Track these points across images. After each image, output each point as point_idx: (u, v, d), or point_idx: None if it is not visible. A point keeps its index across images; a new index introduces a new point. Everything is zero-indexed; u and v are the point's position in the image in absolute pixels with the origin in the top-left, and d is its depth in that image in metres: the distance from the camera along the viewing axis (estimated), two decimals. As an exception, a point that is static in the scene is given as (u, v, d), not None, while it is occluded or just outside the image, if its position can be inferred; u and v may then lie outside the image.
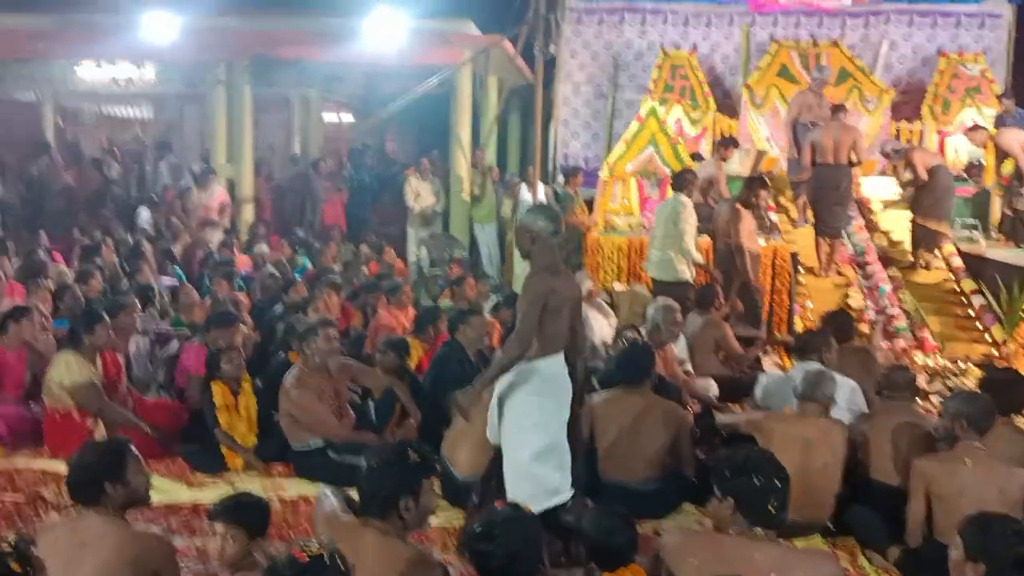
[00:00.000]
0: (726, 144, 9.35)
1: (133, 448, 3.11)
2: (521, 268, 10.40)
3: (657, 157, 9.31)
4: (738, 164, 9.78)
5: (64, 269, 8.49)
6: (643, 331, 5.97)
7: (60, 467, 5.08)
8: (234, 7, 13.11)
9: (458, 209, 11.65)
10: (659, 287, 7.58)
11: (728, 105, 11.43)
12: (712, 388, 6.14)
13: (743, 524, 2.92)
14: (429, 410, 5.52)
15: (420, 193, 11.53)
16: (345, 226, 12.08)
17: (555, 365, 4.04)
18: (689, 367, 6.32)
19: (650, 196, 9.36)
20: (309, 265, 10.03)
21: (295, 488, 4.97)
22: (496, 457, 4.21)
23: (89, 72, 13.34)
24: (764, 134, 10.86)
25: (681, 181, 7.73)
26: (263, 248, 10.20)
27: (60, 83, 13.83)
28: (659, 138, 9.37)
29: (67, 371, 5.23)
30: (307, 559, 2.32)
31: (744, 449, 3.32)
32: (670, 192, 8.11)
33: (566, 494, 3.95)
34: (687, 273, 7.55)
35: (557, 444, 4.01)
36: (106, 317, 5.50)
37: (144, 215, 11.18)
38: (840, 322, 6.09)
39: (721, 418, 5.10)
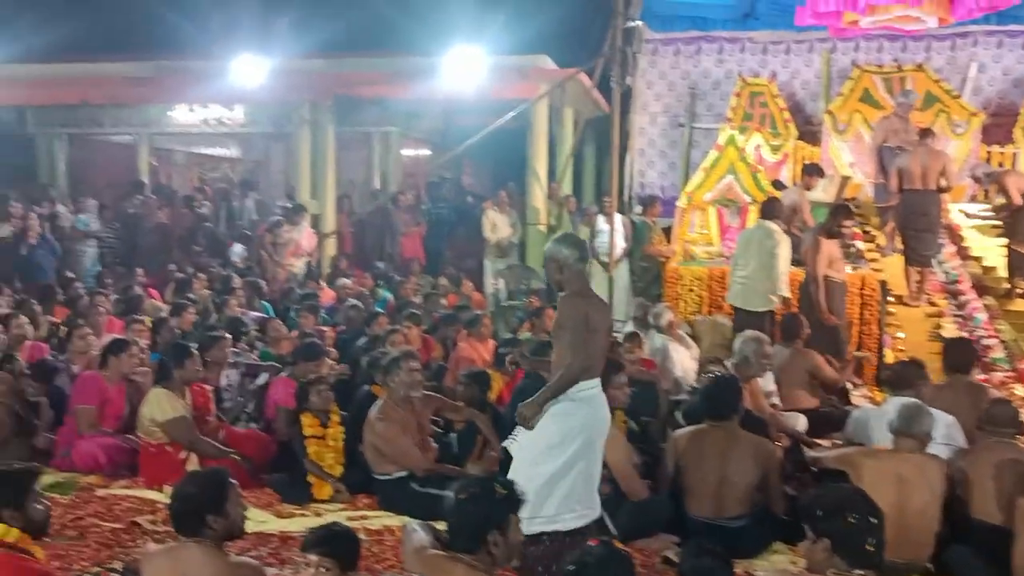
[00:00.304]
0: (811, 172, 9.10)
1: (232, 480, 3.20)
2: (599, 299, 10.37)
3: (737, 185, 9.22)
4: (821, 191, 9.58)
5: (159, 304, 8.83)
6: (728, 363, 5.86)
7: (155, 496, 5.29)
8: (318, 49, 13.58)
9: (534, 240, 11.71)
10: (741, 316, 7.46)
11: (809, 132, 11.26)
12: (801, 422, 5.98)
13: (841, 565, 2.83)
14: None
15: (497, 225, 11.64)
16: (424, 259, 12.27)
17: (587, 387, 4.04)
18: (776, 400, 6.18)
19: (730, 225, 9.26)
20: (390, 297, 10.21)
21: (380, 520, 5.02)
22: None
23: (182, 114, 13.94)
24: (847, 160, 10.65)
25: (771, 209, 7.62)
26: (345, 281, 10.43)
27: (155, 125, 14.47)
28: (738, 166, 9.29)
29: (158, 407, 5.41)
30: None
31: (837, 487, 3.24)
32: (752, 220, 8.01)
33: (563, 524, 3.97)
34: (772, 303, 7.41)
35: (568, 472, 3.99)
36: (195, 351, 5.68)
37: (237, 250, 11.58)
38: (960, 350, 5.81)
39: (811, 453, 4.96)
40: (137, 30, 16.99)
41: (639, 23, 9.73)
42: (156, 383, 5.58)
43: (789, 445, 5.57)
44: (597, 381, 4.12)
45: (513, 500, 2.98)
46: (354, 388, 6.46)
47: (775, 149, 10.84)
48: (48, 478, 5.55)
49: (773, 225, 7.47)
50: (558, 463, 3.99)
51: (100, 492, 5.40)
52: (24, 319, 7.21)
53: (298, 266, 11.11)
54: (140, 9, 17.15)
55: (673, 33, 11.99)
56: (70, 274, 10.30)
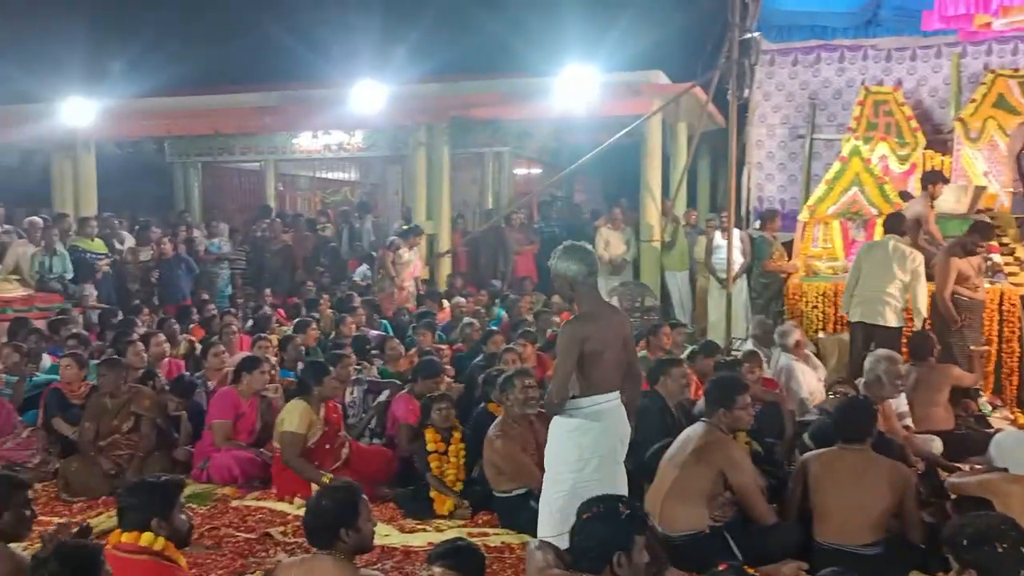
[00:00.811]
0: (934, 179, 8.65)
1: (364, 496, 3.29)
2: (716, 315, 10.17)
3: (862, 197, 8.89)
4: (954, 201, 9.11)
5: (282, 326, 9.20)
6: (859, 383, 5.62)
7: (286, 508, 5.50)
8: (434, 73, 13.91)
9: (648, 257, 11.60)
10: (871, 332, 7.17)
11: (939, 141, 10.75)
12: (936, 445, 5.69)
13: (989, 598, 2.67)
14: (630, 462, 5.48)
15: (610, 242, 11.58)
16: (537, 277, 12.33)
17: (600, 401, 4.04)
18: (909, 422, 5.89)
19: (855, 239, 8.92)
20: (504, 316, 10.30)
21: (499, 537, 5.05)
22: None
23: (306, 141, 14.55)
24: (981, 169, 10.09)
25: (897, 223, 7.33)
26: (460, 300, 10.60)
27: (281, 151, 15.16)
28: (864, 177, 8.95)
29: (288, 417, 5.63)
30: None
31: (984, 515, 3.05)
32: (878, 233, 7.69)
33: None
34: (899, 318, 7.11)
35: (588, 488, 3.87)
36: (332, 369, 5.88)
37: (362, 270, 11.94)
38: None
39: (950, 479, 4.69)
40: (263, 61, 17.86)
41: (756, 34, 9.54)
42: (297, 396, 5.77)
43: (924, 469, 5.31)
44: (612, 395, 4.06)
45: (638, 521, 2.94)
46: (471, 406, 6.55)
47: (902, 159, 10.40)
48: (187, 489, 5.85)
49: (904, 242, 7.18)
50: (578, 479, 3.99)
51: (234, 503, 5.65)
52: (163, 337, 7.64)
53: (417, 286, 11.36)
54: (265, 41, 18.01)
55: (791, 43, 11.70)
56: (205, 295, 10.86)
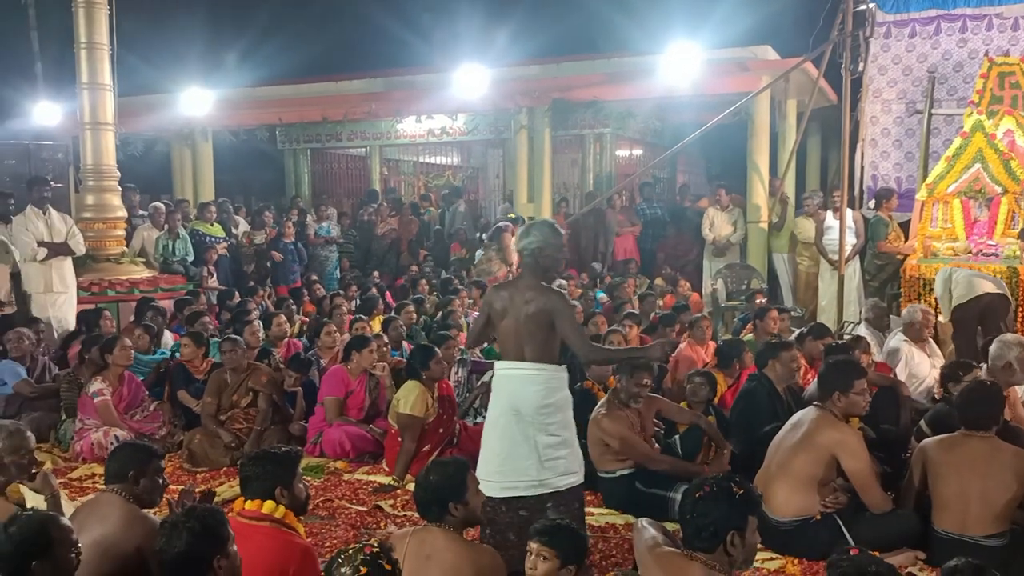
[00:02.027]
0: None
1: (472, 471, 3.36)
2: (827, 298, 9.87)
3: (985, 175, 8.41)
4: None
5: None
6: (982, 369, 5.35)
7: (395, 482, 5.65)
8: (535, 56, 13.92)
9: (756, 239, 11.33)
10: (971, 309, 6.99)
11: (1073, 112, 10.05)
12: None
13: None
14: (737, 446, 5.41)
15: (716, 223, 11.37)
16: (640, 259, 12.22)
17: (499, 367, 4.29)
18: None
19: (978, 219, 8.48)
20: (604, 298, 10.26)
21: (604, 517, 5.06)
22: None
23: (409, 126, 14.80)
24: (1120, 142, 9.40)
25: None
26: (562, 282, 10.59)
27: (385, 137, 15.47)
28: (987, 154, 8.47)
29: (404, 399, 5.76)
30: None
31: None
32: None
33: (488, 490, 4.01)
34: (1000, 287, 6.87)
35: (491, 442, 4.24)
36: (438, 351, 5.99)
37: (479, 254, 12.06)
38: None
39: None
40: (368, 48, 18.26)
41: (871, 5, 9.16)
42: (410, 378, 5.89)
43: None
44: (506, 363, 4.21)
45: (751, 501, 2.92)
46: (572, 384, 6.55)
47: (1031, 133, 9.78)
48: (302, 462, 6.08)
49: None
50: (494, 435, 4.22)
51: (346, 477, 5.85)
52: (283, 318, 7.95)
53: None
54: (370, 28, 18.41)
55: (908, 13, 11.14)
56: (314, 277, 11.22)
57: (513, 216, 12.04)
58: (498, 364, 4.33)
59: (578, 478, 4.22)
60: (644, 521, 3.48)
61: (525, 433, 4.13)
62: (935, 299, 7.86)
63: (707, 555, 2.87)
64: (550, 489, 4.13)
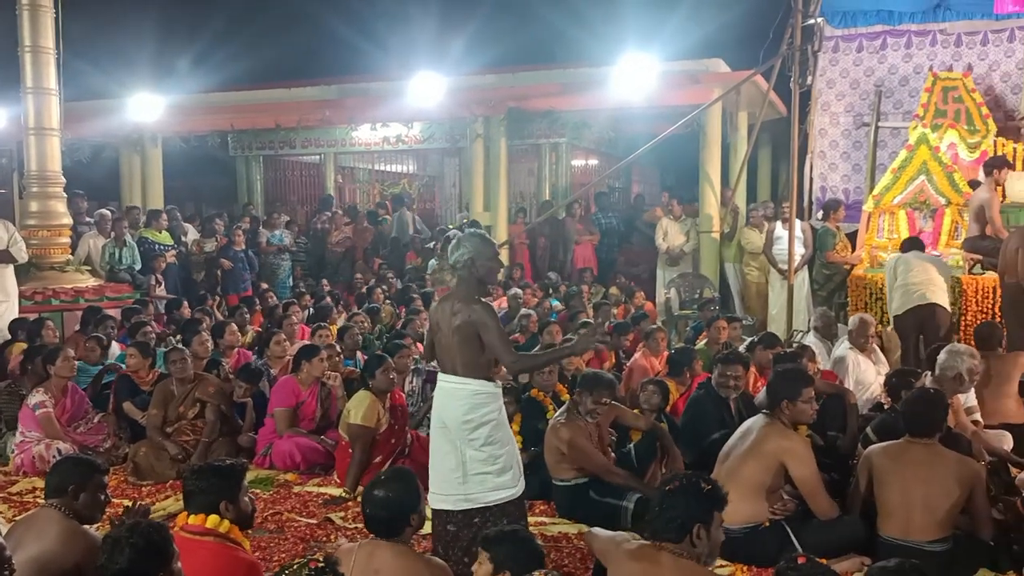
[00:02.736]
0: (999, 164, 8.24)
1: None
2: (777, 308, 10.02)
3: (930, 187, 8.65)
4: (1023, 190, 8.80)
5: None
6: (927, 378, 5.46)
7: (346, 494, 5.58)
8: (491, 65, 13.93)
9: (708, 248, 11.47)
10: (914, 317, 7.22)
11: (1012, 128, 10.38)
12: (1007, 441, 5.51)
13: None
14: (686, 454, 5.45)
15: (669, 233, 11.49)
16: (596, 268, 12.29)
17: (440, 380, 4.29)
18: (978, 417, 5.72)
19: (923, 229, 8.68)
20: (559, 306, 10.29)
21: (557, 526, 5.05)
22: None
23: (364, 133, 14.70)
24: (1057, 156, 9.73)
25: (914, 246, 7.40)
26: (517, 291, 10.61)
27: (340, 144, 15.36)
28: (932, 166, 8.71)
29: (355, 409, 5.70)
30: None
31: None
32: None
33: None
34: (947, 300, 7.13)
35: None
36: (390, 360, 5.93)
37: (432, 263, 11.99)
38: None
39: (1023, 476, 4.54)
40: (323, 55, 18.14)
41: (819, 20, 9.34)
42: (363, 388, 5.84)
43: (994, 466, 5.14)
44: (443, 376, 4.24)
45: (717, 498, 3.06)
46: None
47: (972, 147, 10.05)
48: (251, 475, 5.98)
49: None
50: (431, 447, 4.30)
51: (296, 489, 5.77)
52: (235, 327, 7.82)
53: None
54: (325, 35, 18.29)
55: (856, 28, 11.40)
56: (265, 286, 11.08)
57: (467, 220, 12.03)
58: (438, 375, 4.33)
59: (511, 493, 4.18)
60: (595, 529, 3.50)
61: (453, 446, 4.14)
62: (881, 307, 8.03)
63: (674, 545, 2.99)
64: (477, 504, 4.11)
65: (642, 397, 5.78)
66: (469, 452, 4.11)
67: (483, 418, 4.13)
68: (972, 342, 6.96)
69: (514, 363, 4.33)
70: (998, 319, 7.34)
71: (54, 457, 5.70)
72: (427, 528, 4.19)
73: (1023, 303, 6.84)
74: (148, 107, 12.97)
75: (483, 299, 4.23)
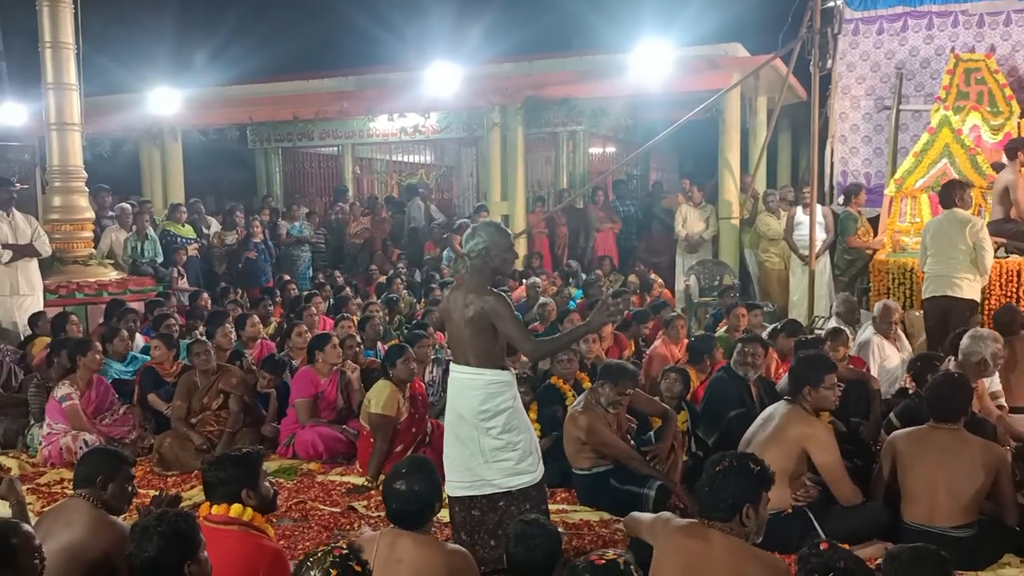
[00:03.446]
0: (1022, 146, 8.08)
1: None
2: (798, 294, 9.95)
3: (952, 169, 8.54)
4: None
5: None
6: (951, 363, 5.41)
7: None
8: (507, 54, 13.89)
9: (728, 235, 11.40)
10: (937, 305, 7.06)
11: (1036, 108, 10.21)
12: (1033, 425, 5.45)
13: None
14: (707, 434, 5.46)
15: (688, 220, 11.43)
16: (617, 257, 12.26)
17: (453, 371, 4.29)
18: (1003, 401, 5.67)
19: (946, 213, 8.56)
20: (580, 295, 10.28)
21: (578, 514, 5.07)
22: None
23: (382, 124, 14.72)
24: (1082, 137, 9.57)
25: (947, 196, 7.07)
26: (536, 280, 10.60)
27: (358, 136, 15.38)
28: (954, 149, 8.61)
29: (375, 398, 5.73)
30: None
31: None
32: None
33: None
34: (974, 292, 6.96)
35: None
36: (410, 350, 5.95)
37: (447, 254, 12.01)
38: None
39: (1048, 460, 4.50)
40: (340, 47, 18.16)
41: (839, 2, 9.23)
42: (383, 377, 5.86)
43: (1018, 450, 5.09)
44: (456, 367, 4.23)
45: (766, 478, 3.10)
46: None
47: (995, 129, 9.90)
48: (274, 464, 6.05)
49: (960, 212, 6.98)
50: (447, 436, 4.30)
51: (320, 478, 5.81)
52: (257, 319, 7.87)
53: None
54: (342, 27, 18.30)
55: (876, 11, 11.25)
56: (287, 277, 11.14)
57: (479, 204, 12.01)
58: (451, 366, 4.34)
59: (532, 478, 4.21)
60: (635, 513, 3.58)
61: (470, 435, 4.15)
62: (903, 292, 7.97)
63: (723, 524, 3.03)
64: (501, 489, 4.14)
65: (663, 385, 5.77)
66: (487, 441, 4.13)
67: (499, 407, 4.14)
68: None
69: (533, 351, 4.34)
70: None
71: (81, 448, 5.79)
72: (442, 515, 4.22)
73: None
74: (167, 101, 13.06)
75: (496, 289, 4.23)
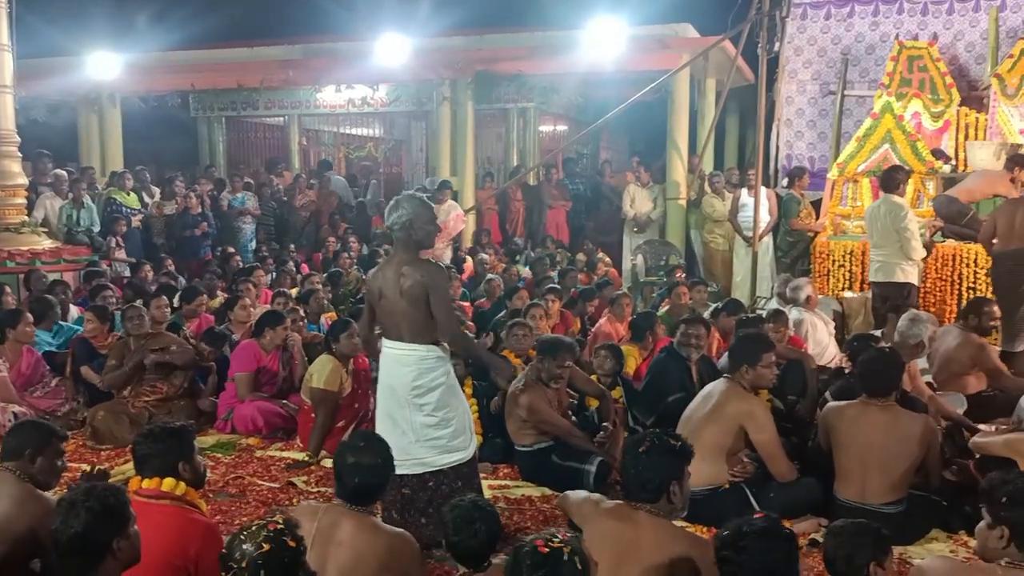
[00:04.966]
0: (1021, 162, 7.89)
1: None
2: (741, 274, 10.09)
3: (893, 155, 8.71)
4: (991, 159, 8.87)
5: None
6: (885, 341, 5.55)
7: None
8: (458, 27, 13.73)
9: (675, 215, 11.49)
10: (879, 288, 7.25)
11: (975, 98, 10.46)
12: (961, 404, 5.62)
13: (1017, 557, 2.65)
14: (645, 416, 5.51)
15: (636, 199, 11.48)
16: (567, 235, 12.27)
17: (383, 347, 4.26)
18: (930, 379, 5.82)
19: (886, 197, 8.74)
20: (526, 272, 10.28)
21: (520, 489, 5.09)
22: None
23: (329, 95, 14.44)
24: (1018, 127, 9.81)
25: (890, 182, 7.21)
26: (484, 256, 10.58)
27: (304, 106, 15.09)
28: (896, 135, 8.77)
29: (318, 374, 5.66)
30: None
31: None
32: (910, 192, 7.53)
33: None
34: (911, 276, 7.11)
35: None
36: (355, 325, 5.87)
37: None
38: None
39: (975, 439, 4.62)
40: (287, 14, 17.76)
41: (788, -14, 9.29)
42: (325, 352, 5.80)
43: (947, 429, 5.24)
44: (388, 342, 4.18)
45: (686, 452, 3.11)
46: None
47: (936, 116, 10.14)
48: (211, 439, 5.95)
49: (896, 199, 7.13)
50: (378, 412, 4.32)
51: (258, 453, 5.73)
52: (204, 296, 7.67)
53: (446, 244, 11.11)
54: (290, -6, 17.89)
55: (824, -4, 11.40)
56: (230, 249, 10.90)
57: (443, 181, 11.91)
58: (383, 341, 4.26)
59: (464, 455, 4.18)
60: (569, 492, 3.56)
61: (401, 412, 4.12)
62: (843, 274, 8.17)
63: (651, 505, 3.03)
64: (431, 468, 4.11)
65: (595, 363, 5.82)
66: (420, 418, 4.09)
67: (432, 383, 4.10)
68: (931, 309, 7.09)
69: (455, 337, 4.20)
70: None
71: (9, 421, 5.61)
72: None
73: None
74: (106, 65, 12.64)
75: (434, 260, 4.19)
